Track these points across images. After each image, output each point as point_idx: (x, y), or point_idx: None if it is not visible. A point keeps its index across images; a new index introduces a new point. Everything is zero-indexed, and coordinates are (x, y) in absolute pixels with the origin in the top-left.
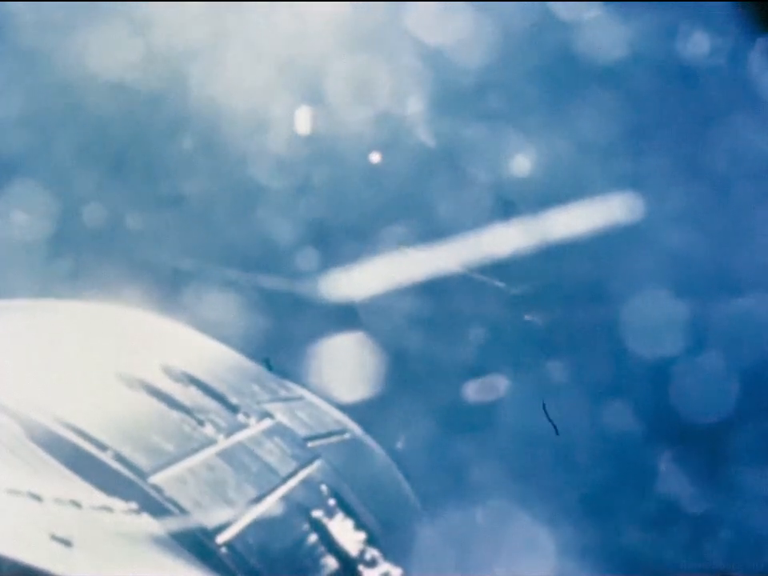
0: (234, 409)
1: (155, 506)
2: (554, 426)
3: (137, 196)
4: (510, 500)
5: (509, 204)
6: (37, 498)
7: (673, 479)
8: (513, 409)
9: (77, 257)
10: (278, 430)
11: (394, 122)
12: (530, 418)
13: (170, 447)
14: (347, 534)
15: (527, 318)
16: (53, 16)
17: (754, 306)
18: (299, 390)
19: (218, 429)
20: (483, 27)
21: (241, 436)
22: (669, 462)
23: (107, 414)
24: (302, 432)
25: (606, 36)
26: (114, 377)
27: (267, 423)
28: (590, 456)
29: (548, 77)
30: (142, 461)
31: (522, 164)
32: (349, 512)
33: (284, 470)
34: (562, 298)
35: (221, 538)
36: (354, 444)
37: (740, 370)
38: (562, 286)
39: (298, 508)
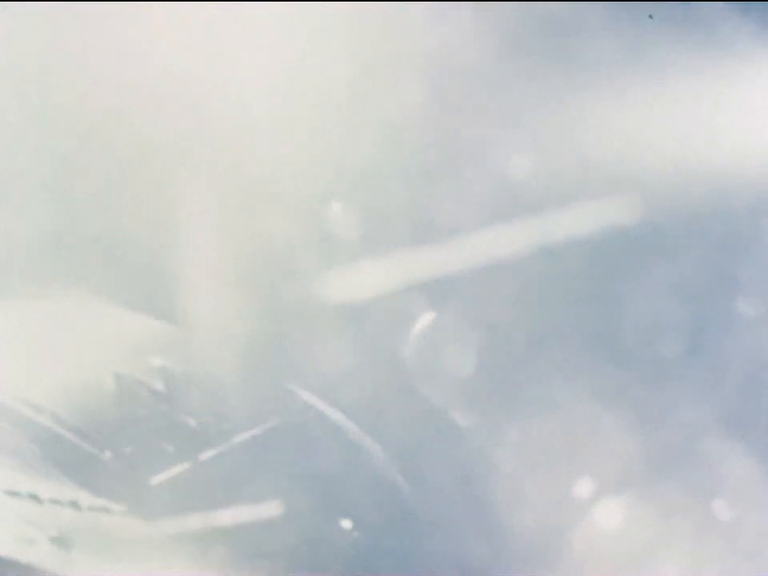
0: (233, 409)
1: (155, 506)
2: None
3: (136, 196)
4: (510, 500)
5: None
6: (36, 498)
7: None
8: (513, 409)
9: (78, 258)
10: (278, 431)
11: (393, 122)
12: (530, 418)
13: (170, 448)
14: (347, 535)
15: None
16: (50, 15)
17: (754, 309)
18: (298, 391)
19: (218, 430)
20: (482, 27)
21: (240, 437)
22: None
23: (107, 414)
24: (301, 432)
25: (606, 36)
26: (113, 377)
27: (267, 424)
28: (588, 456)
29: (548, 77)
30: (141, 461)
31: (522, 164)
32: (348, 513)
33: (284, 471)
34: (563, 299)
35: (221, 539)
36: (353, 444)
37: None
38: (564, 287)
39: (297, 508)
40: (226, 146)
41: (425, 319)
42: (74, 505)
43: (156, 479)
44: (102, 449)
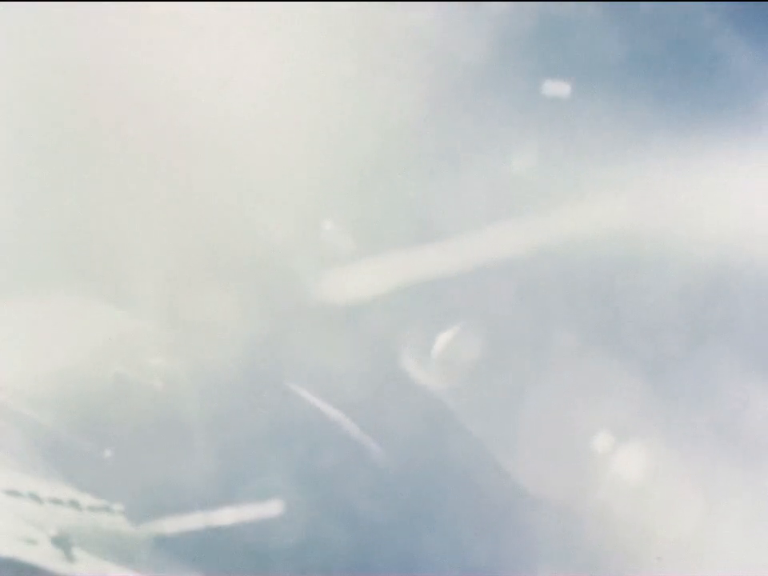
0: (233, 409)
1: (155, 506)
2: None
3: (135, 195)
4: (511, 500)
5: None
6: (36, 498)
7: None
8: (513, 408)
9: (78, 258)
10: (278, 430)
11: (393, 121)
12: (529, 417)
13: (170, 448)
14: (346, 535)
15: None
16: (49, 15)
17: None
18: (298, 390)
19: (218, 429)
20: (482, 27)
21: (240, 436)
22: None
23: (107, 414)
24: (301, 432)
25: (606, 36)
26: (113, 377)
27: (267, 423)
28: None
29: (549, 77)
30: (141, 461)
31: (522, 164)
32: (346, 513)
33: (283, 470)
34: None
35: (221, 539)
36: (353, 444)
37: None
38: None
39: (297, 508)
40: (227, 148)
41: (425, 319)
42: (74, 504)
43: (156, 479)
44: (102, 449)
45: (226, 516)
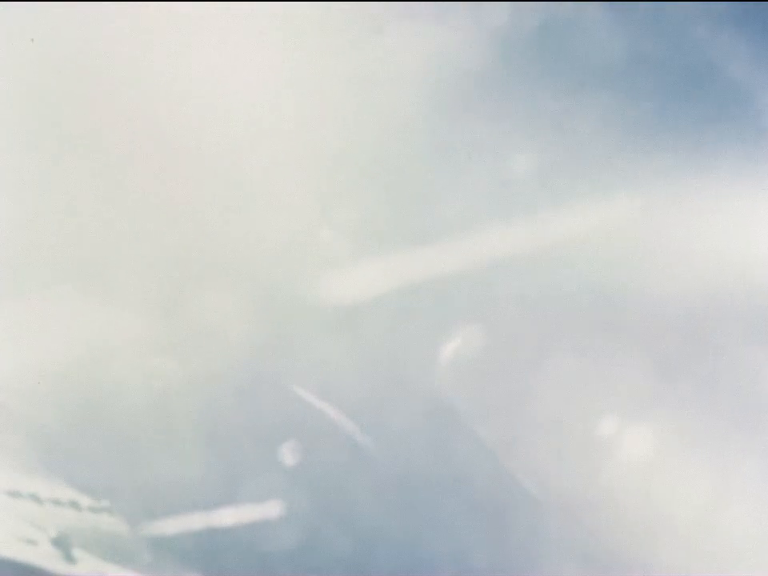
0: (233, 409)
1: (155, 506)
2: None
3: (135, 196)
4: (513, 501)
5: None
6: (36, 499)
7: None
8: (515, 408)
9: (78, 258)
10: (278, 430)
11: (394, 121)
12: (532, 417)
13: (169, 447)
14: (346, 537)
15: None
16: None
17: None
18: (299, 391)
19: (218, 429)
20: (483, 27)
21: (240, 436)
22: None
23: (107, 414)
24: (300, 432)
25: (606, 36)
26: (113, 377)
27: (267, 423)
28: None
29: (549, 77)
30: (142, 461)
31: (523, 165)
32: (347, 514)
33: (281, 470)
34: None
35: (220, 539)
36: (354, 445)
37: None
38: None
39: (297, 509)
40: (226, 146)
41: (427, 320)
42: (74, 505)
43: (156, 479)
44: (102, 449)
45: (225, 516)
